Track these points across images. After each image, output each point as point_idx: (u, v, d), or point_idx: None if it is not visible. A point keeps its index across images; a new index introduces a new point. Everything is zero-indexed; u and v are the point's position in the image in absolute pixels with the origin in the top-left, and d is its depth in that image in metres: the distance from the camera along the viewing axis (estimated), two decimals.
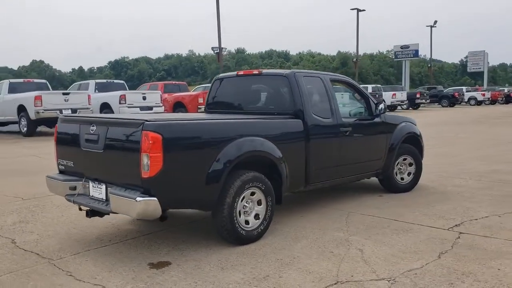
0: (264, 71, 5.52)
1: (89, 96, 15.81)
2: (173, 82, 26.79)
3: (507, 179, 7.45)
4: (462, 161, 9.57)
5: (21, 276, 3.77)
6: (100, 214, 4.30)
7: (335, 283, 3.56)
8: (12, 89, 16.25)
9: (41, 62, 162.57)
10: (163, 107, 18.02)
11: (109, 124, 4.07)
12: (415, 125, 6.88)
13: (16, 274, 3.83)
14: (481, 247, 4.28)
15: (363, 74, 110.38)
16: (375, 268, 3.83)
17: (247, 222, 4.44)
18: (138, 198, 3.66)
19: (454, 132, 16.58)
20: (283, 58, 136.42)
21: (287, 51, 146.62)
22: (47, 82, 17.76)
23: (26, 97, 14.89)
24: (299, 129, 5.01)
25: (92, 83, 18.77)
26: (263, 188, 4.50)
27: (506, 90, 49.43)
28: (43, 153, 11.29)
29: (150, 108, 17.23)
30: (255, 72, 5.55)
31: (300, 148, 5.02)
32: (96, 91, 18.12)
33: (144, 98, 17.40)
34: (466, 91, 44.00)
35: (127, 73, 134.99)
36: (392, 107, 31.08)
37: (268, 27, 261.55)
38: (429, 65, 63.60)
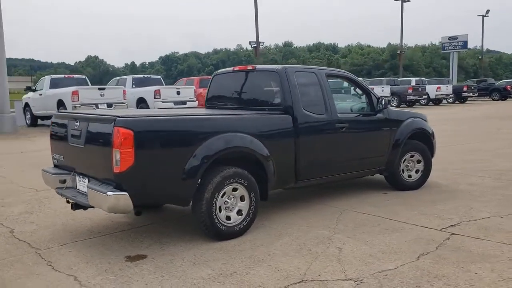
0: (258, 66, 5.50)
1: (124, 91, 16.28)
2: (209, 77, 27.07)
3: None
4: (489, 158, 9.14)
5: (5, 265, 3.97)
6: (84, 207, 4.45)
7: (299, 282, 3.52)
8: (53, 84, 16.99)
9: (96, 57, 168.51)
10: (197, 101, 18.28)
11: (89, 120, 4.20)
12: (425, 121, 6.63)
13: (2, 261, 4.04)
14: (467, 249, 4.09)
15: (414, 66, 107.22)
16: (347, 268, 3.76)
17: (228, 218, 4.46)
18: (109, 193, 3.76)
19: (495, 127, 15.83)
20: (331, 51, 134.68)
21: (335, 44, 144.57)
22: (86, 78, 18.44)
23: (65, 92, 15.53)
24: (288, 125, 4.96)
25: (129, 78, 19.30)
26: (245, 184, 4.49)
27: None
28: None
29: (184, 102, 17.55)
30: (249, 67, 5.54)
31: (289, 144, 4.97)
32: (133, 86, 18.64)
33: (178, 93, 17.74)
34: None
35: (177, 68, 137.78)
36: (436, 101, 30.10)
37: (316, 19, 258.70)
38: (479, 57, 60.71)
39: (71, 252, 4.25)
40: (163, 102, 17.07)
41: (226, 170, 4.37)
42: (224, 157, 4.41)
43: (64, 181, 4.57)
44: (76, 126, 4.35)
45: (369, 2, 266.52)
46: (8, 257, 4.15)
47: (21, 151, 11.63)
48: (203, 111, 5.24)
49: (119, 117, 3.84)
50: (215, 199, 4.28)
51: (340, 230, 4.72)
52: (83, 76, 18.69)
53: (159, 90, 17.26)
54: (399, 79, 32.69)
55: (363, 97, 6.03)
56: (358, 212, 5.34)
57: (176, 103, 17.29)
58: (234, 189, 4.47)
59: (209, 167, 4.25)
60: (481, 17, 51.03)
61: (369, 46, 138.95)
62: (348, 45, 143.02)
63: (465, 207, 5.48)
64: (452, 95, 31.41)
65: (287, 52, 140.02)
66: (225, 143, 4.34)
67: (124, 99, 16.06)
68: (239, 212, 4.53)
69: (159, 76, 21.00)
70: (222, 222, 4.38)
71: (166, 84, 20.48)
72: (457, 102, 32.93)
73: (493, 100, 37.87)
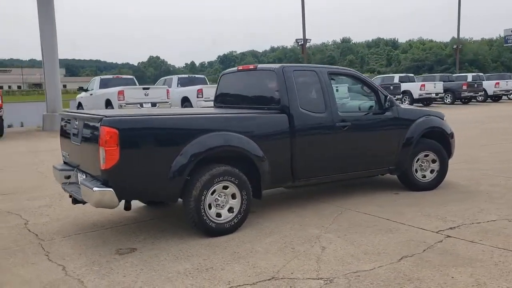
0: (259, 66, 5.55)
1: (167, 90, 16.79)
2: None
3: None
4: None
5: (8, 253, 4.30)
6: (82, 202, 4.70)
7: (270, 279, 3.56)
8: (103, 84, 17.84)
9: (157, 58, 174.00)
10: None
11: (84, 120, 4.44)
12: (442, 119, 6.40)
13: (7, 251, 4.37)
14: (455, 253, 3.95)
15: (480, 61, 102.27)
16: (322, 267, 3.75)
17: (219, 215, 4.55)
18: (95, 188, 3.98)
19: None
20: (390, 46, 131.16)
21: (395, 39, 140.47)
22: (134, 78, 19.18)
23: (112, 92, 16.26)
24: (283, 124, 4.98)
25: (175, 78, 19.86)
26: (236, 182, 4.57)
27: None
28: None
29: None
30: (251, 67, 5.61)
31: (284, 143, 4.99)
32: (179, 85, 19.16)
33: None
34: None
35: (234, 66, 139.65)
36: (495, 97, 28.56)
37: (375, 13, 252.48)
38: None
39: (69, 244, 4.52)
40: (205, 101, 17.40)
41: (216, 168, 4.46)
42: (215, 156, 4.51)
43: (68, 177, 4.87)
44: (75, 125, 4.62)
45: None
46: (14, 247, 4.48)
47: None
48: (198, 110, 5.36)
49: (106, 116, 4.04)
50: (203, 196, 4.39)
51: (333, 229, 4.69)
52: (131, 77, 19.47)
53: (201, 89, 17.63)
54: (454, 75, 31.27)
55: (372, 96, 5.91)
56: (359, 212, 5.27)
57: None
58: (225, 187, 4.56)
59: (197, 165, 4.37)
60: None
61: (431, 40, 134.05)
62: (409, 40, 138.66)
63: (475, 209, 5.26)
64: None
65: (345, 48, 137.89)
66: (212, 142, 4.43)
67: (167, 98, 16.57)
68: (231, 210, 4.61)
69: (203, 76, 21.46)
70: (212, 219, 4.48)
71: None
72: None
73: None
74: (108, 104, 16.47)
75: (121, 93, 15.81)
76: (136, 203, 5.67)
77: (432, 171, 6.22)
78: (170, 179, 4.26)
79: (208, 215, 4.45)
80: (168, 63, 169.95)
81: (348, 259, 3.89)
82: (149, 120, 4.36)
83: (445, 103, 27.62)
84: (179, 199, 4.51)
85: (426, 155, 6.16)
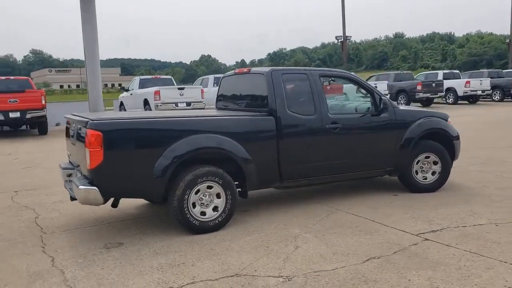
0: (253, 69, 5.71)
1: (202, 90, 17.21)
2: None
3: None
4: None
5: (11, 245, 4.71)
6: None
7: (232, 276, 3.74)
8: (142, 84, 18.53)
9: (209, 56, 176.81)
10: None
11: (78, 123, 4.78)
12: (446, 120, 6.29)
13: (10, 242, 4.79)
14: (424, 256, 3.97)
15: None
16: (287, 266, 3.88)
17: (203, 213, 4.77)
18: (81, 187, 4.31)
19: None
20: (446, 41, 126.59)
21: (451, 33, 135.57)
22: (172, 78, 19.77)
23: (149, 92, 16.87)
24: (270, 127, 5.12)
25: (211, 77, 20.31)
26: (220, 182, 4.77)
27: None
28: None
29: None
30: (245, 70, 5.78)
31: (271, 145, 5.13)
32: (215, 85, 19.56)
33: None
34: None
35: (284, 63, 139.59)
36: None
37: (429, 7, 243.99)
38: None
39: (66, 238, 4.88)
40: None
41: (199, 169, 4.68)
42: (199, 157, 4.73)
43: (69, 175, 5.24)
44: (73, 127, 4.98)
45: None
46: (18, 238, 4.90)
47: None
48: (186, 113, 5.59)
49: (91, 120, 4.35)
50: (187, 196, 4.62)
51: (314, 229, 4.79)
52: (169, 77, 20.09)
53: None
54: (505, 70, 29.81)
55: (368, 97, 5.93)
56: (348, 213, 5.33)
57: None
58: (209, 187, 4.77)
59: (181, 166, 4.60)
60: None
61: (491, 33, 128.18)
62: (467, 34, 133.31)
63: (467, 212, 5.18)
64: None
65: (397, 43, 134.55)
66: (194, 144, 4.65)
67: (202, 98, 16.99)
68: (215, 209, 4.81)
69: None
70: (196, 217, 4.70)
71: None
72: None
73: None
74: (146, 103, 17.10)
75: (157, 93, 16.38)
76: (139, 201, 6.05)
77: (433, 173, 6.14)
78: (154, 179, 4.51)
79: (192, 213, 4.67)
80: (219, 61, 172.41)
81: (315, 259, 4.00)
82: (132, 123, 4.64)
83: (494, 100, 26.50)
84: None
85: (427, 157, 6.09)
